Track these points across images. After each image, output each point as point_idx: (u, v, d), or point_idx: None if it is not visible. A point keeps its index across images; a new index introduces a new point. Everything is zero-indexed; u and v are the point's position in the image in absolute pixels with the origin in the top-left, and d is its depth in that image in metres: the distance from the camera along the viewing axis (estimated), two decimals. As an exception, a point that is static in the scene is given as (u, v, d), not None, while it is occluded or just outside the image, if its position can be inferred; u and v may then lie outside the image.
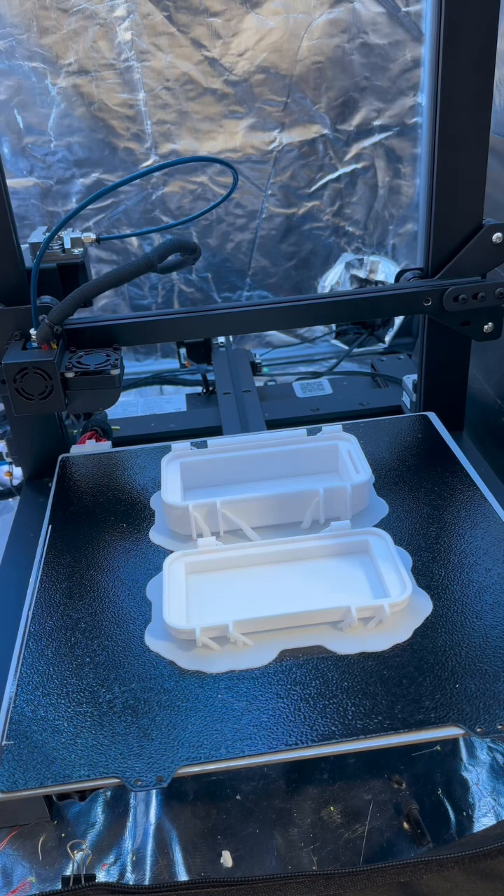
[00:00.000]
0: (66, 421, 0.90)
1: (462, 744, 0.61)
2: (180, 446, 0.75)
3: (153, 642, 0.57)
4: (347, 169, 1.35)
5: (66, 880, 0.53)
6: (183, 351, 1.26)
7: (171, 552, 0.65)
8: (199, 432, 0.95)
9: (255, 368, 1.16)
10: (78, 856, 0.55)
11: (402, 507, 0.70)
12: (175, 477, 0.72)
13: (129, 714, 0.52)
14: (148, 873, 0.55)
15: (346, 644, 0.56)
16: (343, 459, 0.74)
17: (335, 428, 0.77)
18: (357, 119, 1.31)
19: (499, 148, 0.85)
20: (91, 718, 0.52)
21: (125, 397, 1.15)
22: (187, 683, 0.54)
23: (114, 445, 0.87)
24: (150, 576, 0.64)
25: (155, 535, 0.69)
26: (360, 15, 1.23)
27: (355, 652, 0.55)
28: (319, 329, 1.43)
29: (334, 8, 1.22)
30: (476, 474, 0.75)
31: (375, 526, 0.67)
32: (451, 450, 0.78)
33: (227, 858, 0.55)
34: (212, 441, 0.76)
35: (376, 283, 1.42)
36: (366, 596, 0.60)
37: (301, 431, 0.77)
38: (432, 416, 0.85)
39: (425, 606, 0.59)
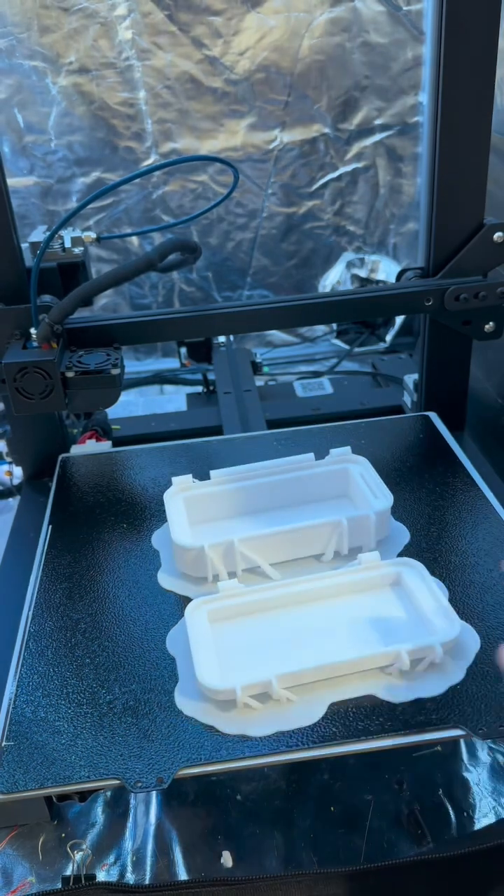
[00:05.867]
0: (66, 421, 0.90)
1: (463, 744, 0.61)
2: (181, 480, 0.69)
3: (186, 704, 0.52)
4: (348, 168, 1.35)
5: (66, 880, 0.53)
6: (183, 350, 1.26)
7: (184, 596, 0.61)
8: (199, 432, 0.95)
9: (256, 368, 1.16)
10: (78, 856, 0.55)
11: (403, 506, 0.70)
12: (181, 514, 0.66)
13: (129, 715, 0.51)
14: (148, 873, 0.55)
15: (398, 691, 0.52)
16: (356, 483, 0.69)
17: (343, 450, 0.71)
18: (358, 118, 1.30)
19: (500, 147, 0.85)
20: (91, 719, 0.51)
21: (125, 397, 1.15)
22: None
23: (114, 445, 0.87)
24: (165, 626, 0.59)
25: (164, 578, 0.64)
26: (361, 14, 1.22)
27: (409, 699, 0.51)
28: (320, 328, 1.43)
29: (335, 7, 1.22)
30: (477, 474, 0.74)
31: (401, 554, 0.63)
32: (452, 450, 0.78)
33: (227, 858, 0.55)
34: (215, 473, 0.70)
35: (377, 282, 1.42)
36: (410, 635, 0.55)
37: (309, 456, 0.71)
38: (433, 415, 0.84)
39: (472, 640, 0.55)
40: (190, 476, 0.70)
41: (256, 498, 0.69)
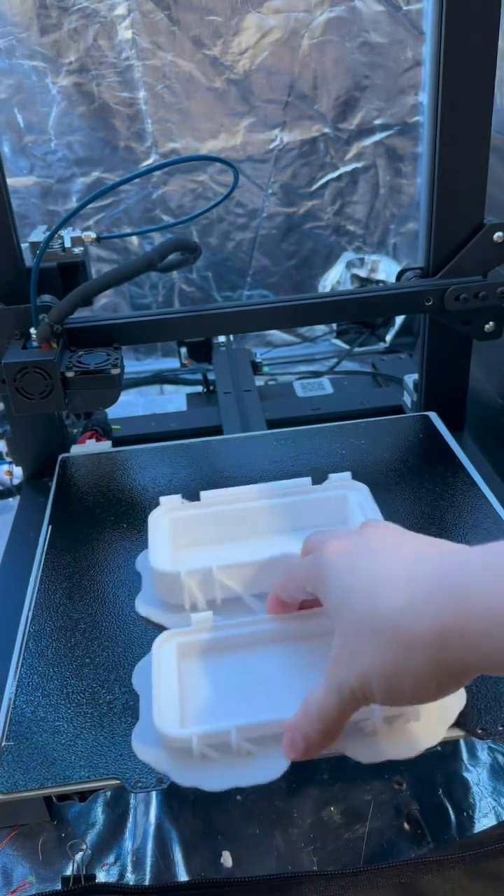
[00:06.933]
0: (66, 421, 0.90)
1: (462, 744, 0.61)
2: (170, 500, 0.65)
3: (142, 748, 0.48)
4: (348, 168, 1.35)
5: (65, 880, 0.53)
6: (183, 350, 1.26)
7: (160, 625, 0.57)
8: (199, 432, 0.95)
9: (256, 368, 1.16)
10: (78, 856, 0.55)
11: (403, 506, 0.70)
12: (164, 536, 0.62)
13: (129, 715, 0.51)
14: (148, 873, 0.55)
15: (370, 751, 0.47)
16: (353, 512, 0.64)
17: (343, 476, 0.67)
18: (358, 118, 1.31)
19: (500, 147, 0.85)
20: (91, 719, 0.51)
21: (125, 396, 1.15)
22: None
23: (114, 445, 0.87)
24: (135, 657, 0.56)
25: (141, 605, 0.60)
26: (361, 13, 1.22)
27: (381, 760, 0.46)
28: (320, 328, 1.43)
29: (335, 6, 1.22)
30: (477, 474, 0.74)
31: None
32: (451, 450, 0.78)
33: (227, 859, 0.55)
34: (206, 494, 0.66)
35: (377, 282, 1.42)
36: None
37: (306, 480, 0.67)
38: (433, 415, 0.84)
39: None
40: (179, 496, 0.66)
41: (248, 522, 0.65)
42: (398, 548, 0.43)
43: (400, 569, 0.40)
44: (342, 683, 0.40)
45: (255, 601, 0.58)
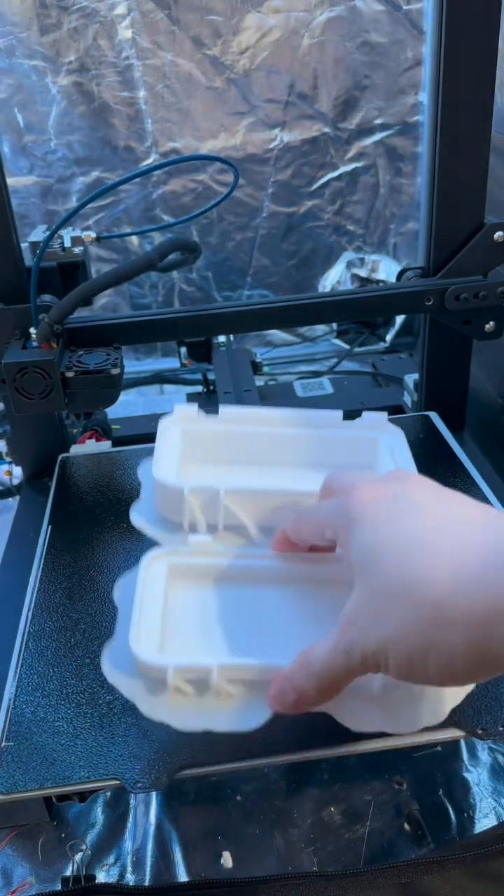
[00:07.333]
0: (66, 420, 0.90)
1: (463, 744, 0.61)
2: (184, 409, 0.59)
3: (112, 670, 0.44)
4: (348, 167, 1.35)
5: (65, 881, 0.53)
6: (183, 350, 1.26)
7: (153, 539, 0.53)
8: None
9: (256, 368, 1.16)
10: (78, 856, 0.55)
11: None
12: (173, 447, 0.56)
13: (129, 715, 0.51)
14: (148, 874, 0.55)
15: (362, 719, 0.42)
16: (383, 458, 0.59)
17: (379, 416, 0.60)
18: (358, 117, 1.31)
19: (500, 146, 0.85)
20: (91, 720, 0.51)
21: (125, 396, 1.15)
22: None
23: (114, 445, 0.87)
24: (122, 568, 0.52)
25: (137, 516, 0.55)
26: (362, 13, 1.22)
27: (372, 730, 0.42)
28: (320, 328, 1.43)
29: (335, 6, 1.22)
30: (478, 474, 0.74)
31: None
32: (452, 449, 0.78)
33: (227, 859, 0.55)
34: (225, 409, 0.60)
35: (377, 282, 1.42)
36: None
37: (337, 414, 0.60)
38: (433, 415, 0.84)
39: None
40: (196, 406, 0.59)
41: (265, 449, 0.58)
42: (445, 507, 0.37)
43: (446, 533, 0.35)
44: (354, 645, 0.36)
45: (260, 535, 0.52)
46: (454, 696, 0.44)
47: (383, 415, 0.59)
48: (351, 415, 0.62)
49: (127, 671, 0.43)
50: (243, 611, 0.47)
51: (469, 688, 0.45)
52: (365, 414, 0.60)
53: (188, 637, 0.45)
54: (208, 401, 1.12)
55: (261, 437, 0.59)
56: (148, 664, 0.41)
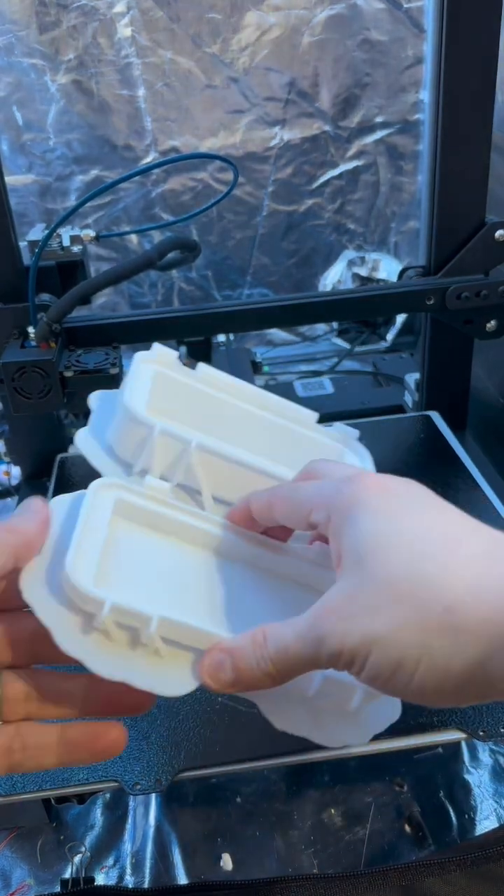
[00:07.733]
0: (64, 420, 0.90)
1: (464, 746, 0.60)
2: (164, 352, 0.53)
3: (36, 591, 0.37)
4: (349, 166, 1.34)
5: (64, 883, 0.53)
6: (183, 349, 1.25)
7: (96, 469, 0.47)
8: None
9: (256, 367, 1.16)
10: (77, 858, 0.55)
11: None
12: (145, 383, 0.50)
13: (128, 717, 0.51)
14: (147, 876, 0.54)
15: (289, 716, 0.39)
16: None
17: (352, 432, 0.56)
18: (358, 116, 1.30)
19: (501, 145, 0.84)
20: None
21: (125, 396, 1.14)
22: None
23: (113, 445, 0.86)
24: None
25: (82, 441, 0.48)
26: (362, 11, 1.22)
27: (296, 733, 0.39)
28: (320, 327, 1.43)
29: (335, 4, 1.21)
30: (479, 474, 0.74)
31: None
32: (453, 449, 0.78)
33: (227, 861, 0.54)
34: (205, 367, 0.54)
35: (378, 281, 1.41)
36: None
37: (312, 414, 0.57)
38: (435, 415, 0.84)
39: None
40: (177, 354, 0.54)
41: (233, 422, 0.54)
42: (460, 515, 0.36)
43: (463, 537, 0.33)
44: (331, 635, 0.32)
45: (212, 503, 0.47)
46: (379, 723, 0.40)
47: (356, 432, 0.56)
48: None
49: (50, 591, 0.37)
50: (190, 576, 0.42)
51: (397, 714, 0.41)
52: (336, 424, 0.57)
53: (127, 581, 0.39)
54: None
55: (231, 407, 0.53)
56: (82, 592, 0.36)
